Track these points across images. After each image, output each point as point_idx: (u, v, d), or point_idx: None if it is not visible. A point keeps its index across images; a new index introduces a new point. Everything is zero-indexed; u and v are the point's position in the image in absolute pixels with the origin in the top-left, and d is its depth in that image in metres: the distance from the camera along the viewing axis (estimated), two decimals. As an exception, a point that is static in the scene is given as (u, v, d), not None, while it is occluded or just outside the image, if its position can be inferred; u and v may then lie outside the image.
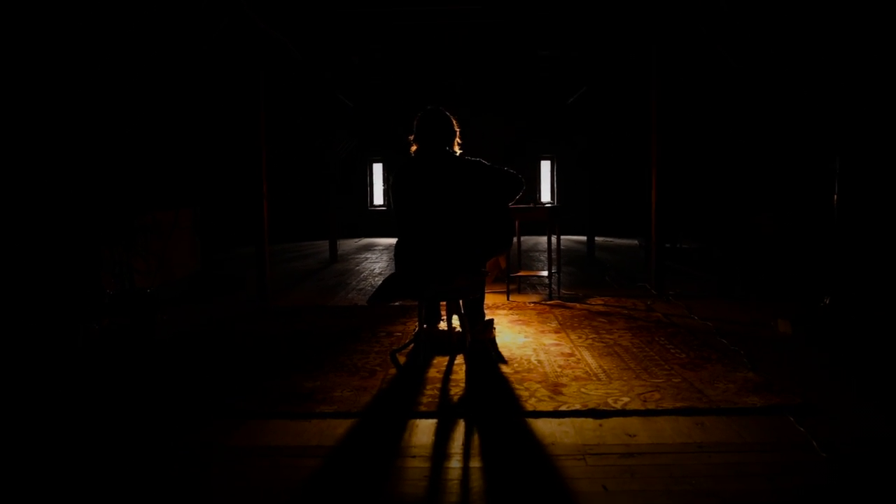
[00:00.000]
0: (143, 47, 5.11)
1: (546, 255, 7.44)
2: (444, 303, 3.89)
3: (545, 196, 14.92)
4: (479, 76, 10.09)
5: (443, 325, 4.02)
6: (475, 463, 2.28)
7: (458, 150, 3.64)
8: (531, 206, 5.59)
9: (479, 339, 3.71)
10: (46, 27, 4.04)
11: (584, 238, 11.05)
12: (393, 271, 3.70)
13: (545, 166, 14.70)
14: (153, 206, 5.37)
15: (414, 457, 2.35)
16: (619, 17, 6.37)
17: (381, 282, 3.88)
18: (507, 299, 5.68)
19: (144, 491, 2.13)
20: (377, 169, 14.69)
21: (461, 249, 3.42)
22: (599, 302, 5.47)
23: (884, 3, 4.40)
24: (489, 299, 5.51)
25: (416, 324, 4.13)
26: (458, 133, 3.63)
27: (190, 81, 6.29)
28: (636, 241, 10.94)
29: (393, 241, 3.64)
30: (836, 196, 5.06)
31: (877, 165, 5.14)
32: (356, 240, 13.68)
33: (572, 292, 6.05)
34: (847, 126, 5.11)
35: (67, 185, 4.05)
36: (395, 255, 3.63)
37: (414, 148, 3.63)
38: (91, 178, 4.24)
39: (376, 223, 14.28)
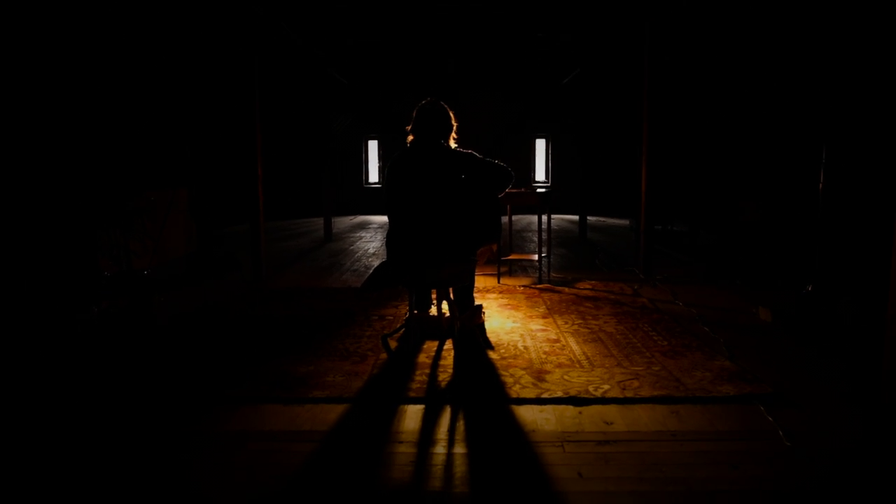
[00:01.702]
0: (139, 30, 5.13)
1: (538, 235, 7.56)
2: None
3: (540, 174, 15.00)
4: (474, 57, 10.09)
5: (433, 311, 4.13)
6: (460, 449, 2.41)
7: (453, 144, 3.71)
8: (523, 190, 5.67)
9: (468, 325, 3.82)
10: (39, 9, 4.06)
11: (576, 217, 11.16)
12: (385, 255, 3.79)
13: (540, 145, 14.75)
14: (149, 186, 5.43)
15: (402, 442, 2.47)
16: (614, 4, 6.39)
17: (373, 269, 3.98)
18: (498, 282, 5.79)
19: (144, 476, 2.25)
20: (372, 146, 14.70)
21: (451, 239, 3.52)
22: (588, 286, 5.60)
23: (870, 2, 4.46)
24: (480, 282, 5.64)
25: (408, 308, 4.24)
26: (455, 127, 3.69)
27: (185, 64, 6.30)
28: (627, 222, 11.05)
29: (387, 218, 3.73)
30: (821, 185, 5.16)
31: (862, 156, 5.22)
32: (351, 217, 13.75)
33: (562, 275, 6.17)
34: (834, 117, 5.19)
35: (64, 170, 4.11)
36: (386, 243, 3.73)
37: (410, 138, 3.70)
38: (87, 161, 4.30)
39: (371, 200, 14.35)
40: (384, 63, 10.43)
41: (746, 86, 6.42)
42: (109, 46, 4.91)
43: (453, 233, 3.52)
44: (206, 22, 5.99)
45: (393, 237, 3.64)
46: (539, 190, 5.62)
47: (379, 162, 14.73)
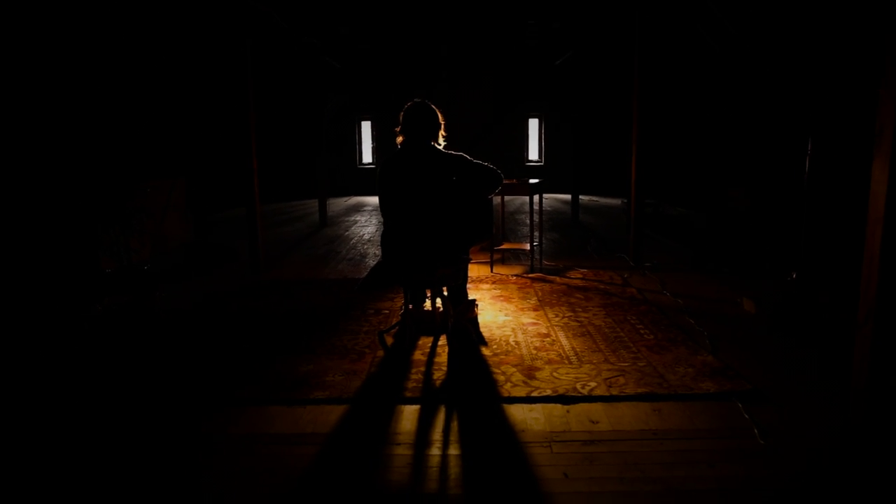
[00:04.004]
0: (132, 23, 5.15)
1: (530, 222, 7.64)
2: (429, 286, 4.12)
3: (533, 153, 15.06)
4: (467, 40, 10.08)
5: (427, 305, 4.26)
6: (454, 450, 2.56)
7: (442, 142, 3.79)
8: (514, 182, 5.77)
9: (461, 320, 3.96)
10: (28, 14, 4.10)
11: (569, 197, 11.26)
12: (380, 255, 3.90)
13: (533, 124, 14.78)
14: (147, 178, 5.51)
15: (399, 444, 2.62)
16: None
17: (370, 269, 4.09)
18: (491, 271, 5.92)
19: (156, 480, 2.39)
20: (366, 127, 14.71)
21: (443, 241, 3.63)
22: (578, 275, 5.73)
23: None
24: (473, 271, 5.78)
25: (403, 302, 4.37)
26: (443, 126, 3.78)
27: (178, 55, 6.32)
28: (620, 202, 11.17)
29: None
30: (806, 175, 5.29)
31: (847, 148, 5.33)
32: (346, 199, 13.82)
33: (554, 263, 6.30)
34: (819, 110, 5.29)
35: (65, 174, 4.19)
36: (381, 243, 3.84)
37: (400, 139, 3.78)
38: (86, 165, 4.37)
39: (365, 181, 14.40)
40: (377, 47, 10.42)
41: (738, 76, 6.50)
42: (104, 42, 4.94)
43: (445, 234, 3.63)
44: (198, 12, 5.99)
45: (387, 238, 3.75)
46: (531, 181, 5.71)
47: (373, 143, 14.75)
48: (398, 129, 3.79)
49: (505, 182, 5.65)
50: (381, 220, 3.91)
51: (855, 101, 5.10)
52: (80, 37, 4.48)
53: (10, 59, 3.89)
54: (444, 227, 3.61)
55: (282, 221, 10.14)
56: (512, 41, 9.84)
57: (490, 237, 4.22)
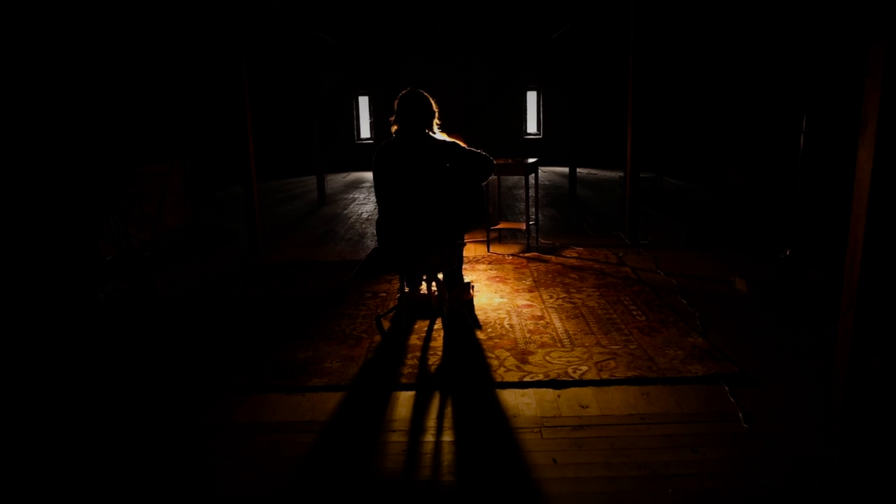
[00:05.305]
0: (123, 10, 5.12)
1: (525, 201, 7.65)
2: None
3: (531, 126, 15.00)
4: (463, 12, 9.97)
5: (423, 288, 4.32)
6: (447, 437, 2.65)
7: (437, 129, 3.82)
8: (510, 161, 5.79)
9: (457, 303, 4.03)
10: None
11: (567, 170, 11.25)
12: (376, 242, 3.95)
13: (531, 97, 14.70)
14: (143, 162, 5.53)
15: (395, 431, 2.71)
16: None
17: (366, 255, 4.14)
18: (488, 251, 5.98)
19: (158, 467, 2.49)
20: (363, 102, 14.63)
21: (438, 228, 3.68)
22: (574, 254, 5.79)
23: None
24: (470, 251, 5.84)
25: (399, 285, 4.43)
26: (437, 114, 3.80)
27: (171, 41, 6.28)
28: (618, 175, 11.16)
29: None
30: (801, 151, 5.30)
31: (841, 125, 5.34)
32: (344, 174, 13.81)
33: (550, 241, 6.35)
34: (815, 86, 5.28)
35: (63, 165, 4.22)
36: (376, 229, 3.89)
37: (394, 128, 3.81)
38: (83, 156, 4.40)
39: (363, 156, 14.38)
40: (372, 21, 10.31)
41: (736, 48, 6.46)
42: (96, 23, 4.91)
43: (439, 221, 3.68)
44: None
45: (382, 225, 3.80)
46: (527, 161, 5.73)
47: (370, 117, 14.68)
48: (392, 119, 3.82)
49: (499, 162, 5.71)
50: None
51: (849, 79, 5.09)
52: (70, 17, 4.46)
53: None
54: (439, 214, 3.65)
55: (280, 200, 10.17)
56: (508, 12, 9.74)
57: (485, 221, 4.26)
